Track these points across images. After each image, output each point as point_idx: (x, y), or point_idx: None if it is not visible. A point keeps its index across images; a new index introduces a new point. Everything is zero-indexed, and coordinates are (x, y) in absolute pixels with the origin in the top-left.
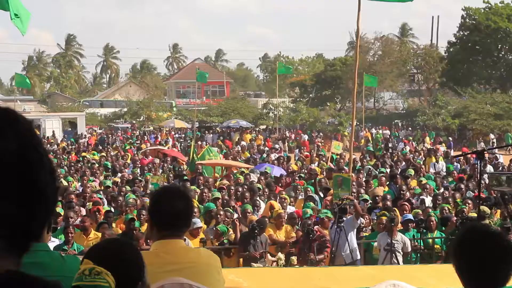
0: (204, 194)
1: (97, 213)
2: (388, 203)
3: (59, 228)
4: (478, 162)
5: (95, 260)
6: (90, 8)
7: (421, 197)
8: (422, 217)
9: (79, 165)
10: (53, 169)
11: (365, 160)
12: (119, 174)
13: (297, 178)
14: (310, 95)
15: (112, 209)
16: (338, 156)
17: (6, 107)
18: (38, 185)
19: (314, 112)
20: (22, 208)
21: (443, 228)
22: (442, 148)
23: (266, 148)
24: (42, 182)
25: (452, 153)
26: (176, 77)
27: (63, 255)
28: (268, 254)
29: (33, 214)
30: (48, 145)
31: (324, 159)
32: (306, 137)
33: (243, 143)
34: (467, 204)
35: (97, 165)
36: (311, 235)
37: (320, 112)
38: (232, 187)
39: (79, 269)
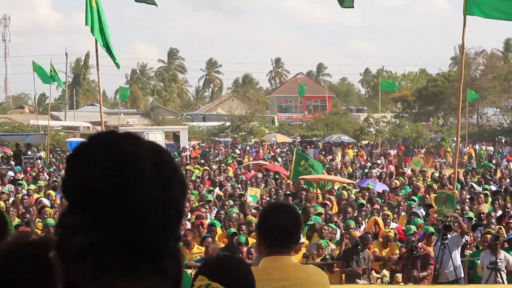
0: (306, 209)
1: (200, 227)
2: (493, 220)
3: None
4: None
5: (208, 277)
6: (193, 22)
7: None
8: None
9: None
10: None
11: (468, 177)
12: (220, 188)
13: (400, 194)
14: (413, 111)
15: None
16: (442, 173)
17: (96, 132)
18: (134, 203)
19: (416, 128)
20: (123, 230)
21: None
22: None
23: (369, 164)
24: (141, 198)
25: None
26: (278, 91)
27: None
28: (373, 271)
29: (142, 232)
30: None
31: (426, 175)
32: (392, 152)
33: (346, 157)
34: None
35: (199, 178)
36: (414, 252)
37: (422, 128)
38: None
39: (194, 285)
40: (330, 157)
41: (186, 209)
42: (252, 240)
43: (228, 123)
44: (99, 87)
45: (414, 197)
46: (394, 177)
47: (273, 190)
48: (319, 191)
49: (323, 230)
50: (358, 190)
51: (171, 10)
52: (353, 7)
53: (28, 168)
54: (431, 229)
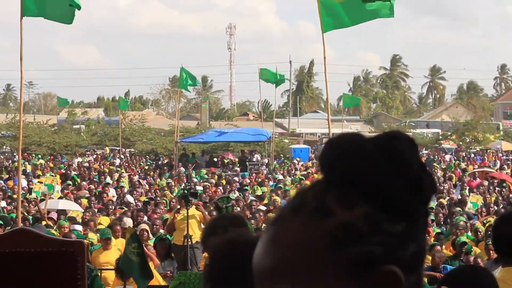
0: None
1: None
2: None
3: None
4: None
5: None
6: (416, 29)
7: None
8: None
9: None
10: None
11: None
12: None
13: None
14: None
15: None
16: None
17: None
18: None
19: None
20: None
21: None
22: None
23: None
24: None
25: None
26: (503, 98)
27: None
28: None
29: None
30: None
31: None
32: None
33: None
34: None
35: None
36: None
37: None
38: None
39: None
40: None
41: None
42: (476, 250)
43: (452, 130)
44: (327, 94)
45: None
46: None
47: (499, 198)
48: None
49: None
50: None
51: (393, 18)
52: None
53: (254, 174)
54: None
